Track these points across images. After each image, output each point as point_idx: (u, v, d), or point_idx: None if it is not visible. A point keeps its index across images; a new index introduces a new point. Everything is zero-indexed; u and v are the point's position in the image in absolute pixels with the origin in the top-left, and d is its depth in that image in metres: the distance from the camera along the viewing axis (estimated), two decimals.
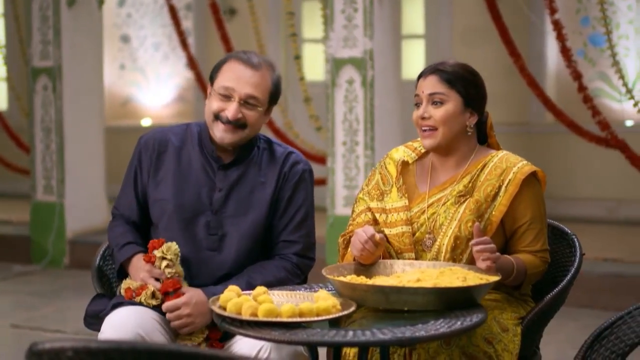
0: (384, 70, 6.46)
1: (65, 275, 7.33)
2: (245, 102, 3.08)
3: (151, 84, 10.29)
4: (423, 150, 3.13)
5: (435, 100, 2.96)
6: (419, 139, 3.17)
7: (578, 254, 3.13)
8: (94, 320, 3.21)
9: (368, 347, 2.54)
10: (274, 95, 3.16)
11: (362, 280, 2.72)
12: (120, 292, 3.11)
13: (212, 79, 3.15)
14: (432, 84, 2.97)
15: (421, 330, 2.37)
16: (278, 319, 2.43)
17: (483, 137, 3.13)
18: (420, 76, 3.04)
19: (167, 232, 3.13)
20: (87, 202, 7.78)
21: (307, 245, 3.19)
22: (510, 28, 7.98)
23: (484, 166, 3.00)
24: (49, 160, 7.60)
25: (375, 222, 3.07)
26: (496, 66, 8.52)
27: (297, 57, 7.70)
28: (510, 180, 2.94)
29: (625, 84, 6.32)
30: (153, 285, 3.00)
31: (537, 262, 2.96)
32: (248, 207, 3.14)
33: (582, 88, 6.35)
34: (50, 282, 7.12)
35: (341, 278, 2.71)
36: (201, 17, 9.80)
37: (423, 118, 2.97)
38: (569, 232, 3.24)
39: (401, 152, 3.16)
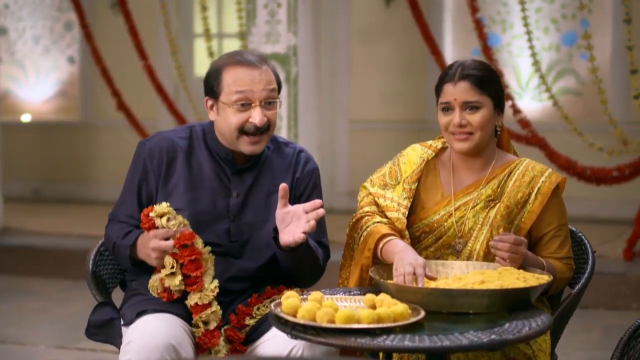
0: (307, 67, 6.38)
1: None
2: (267, 102, 2.98)
3: (30, 78, 9.85)
4: (439, 147, 3.09)
5: (471, 107, 2.93)
6: (429, 141, 3.14)
7: (590, 252, 3.16)
8: (99, 330, 3.04)
9: (457, 352, 2.48)
10: (280, 85, 3.08)
11: (413, 282, 2.66)
12: (152, 293, 2.93)
13: (214, 92, 3.00)
14: (465, 92, 2.91)
15: (508, 333, 2.34)
16: (356, 325, 2.34)
17: None
18: (444, 80, 2.97)
19: None
20: None
21: (325, 236, 3.13)
22: (404, 28, 8.07)
23: (510, 172, 2.99)
24: None
25: (376, 204, 3.04)
26: (393, 64, 8.58)
27: (212, 54, 7.48)
28: (539, 188, 2.94)
29: (544, 81, 6.46)
30: (166, 246, 2.83)
31: (563, 268, 2.97)
32: (267, 213, 3.03)
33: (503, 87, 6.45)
34: None
35: (390, 281, 2.65)
36: (85, 9, 9.41)
37: (461, 125, 2.93)
38: (576, 230, 3.27)
39: (419, 151, 3.10)
